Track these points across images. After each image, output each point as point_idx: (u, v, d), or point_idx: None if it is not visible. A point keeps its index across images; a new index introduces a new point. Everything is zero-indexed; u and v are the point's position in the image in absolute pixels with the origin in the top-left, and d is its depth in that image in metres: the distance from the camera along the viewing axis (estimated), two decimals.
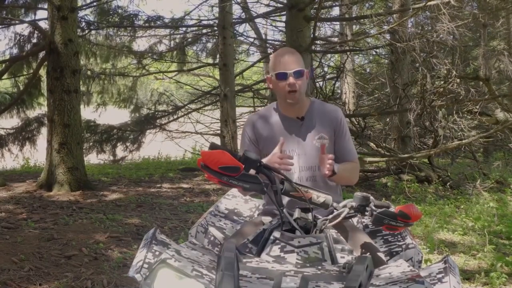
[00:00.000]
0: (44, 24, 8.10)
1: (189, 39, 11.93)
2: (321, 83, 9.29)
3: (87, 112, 10.57)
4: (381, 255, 1.91)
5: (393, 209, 1.72)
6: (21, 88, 8.83)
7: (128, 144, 11.14)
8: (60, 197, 6.07)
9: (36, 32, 8.36)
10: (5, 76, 8.44)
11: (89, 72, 10.40)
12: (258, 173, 1.75)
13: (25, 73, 8.81)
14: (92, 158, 10.87)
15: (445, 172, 8.46)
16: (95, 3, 9.27)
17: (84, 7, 8.77)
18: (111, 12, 9.70)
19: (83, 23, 8.88)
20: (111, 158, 10.99)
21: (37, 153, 9.56)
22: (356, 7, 12.04)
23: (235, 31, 10.88)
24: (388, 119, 11.35)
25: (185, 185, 7.60)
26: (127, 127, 11.10)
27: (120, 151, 11.11)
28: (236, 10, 11.24)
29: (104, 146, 10.69)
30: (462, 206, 6.41)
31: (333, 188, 2.13)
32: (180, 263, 1.42)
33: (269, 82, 2.15)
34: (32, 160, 10.22)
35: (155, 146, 11.92)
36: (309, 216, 1.69)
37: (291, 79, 2.02)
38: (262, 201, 2.32)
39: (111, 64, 11.28)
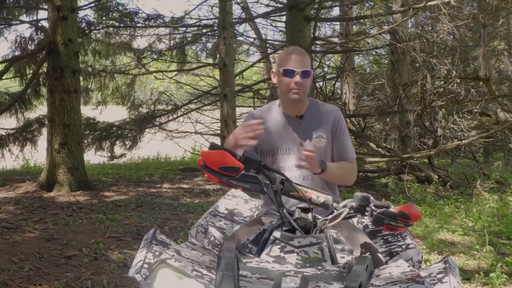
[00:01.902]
0: (45, 24, 8.10)
1: (189, 39, 11.92)
2: (321, 83, 9.28)
3: (87, 110, 10.56)
4: (380, 255, 1.91)
5: (393, 209, 1.72)
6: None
7: (127, 142, 11.13)
8: (60, 197, 6.07)
9: (38, 32, 8.36)
10: (8, 75, 8.44)
11: (90, 69, 10.40)
12: (258, 173, 1.75)
13: (27, 73, 8.79)
14: (90, 155, 10.85)
15: (445, 172, 8.46)
16: (95, 2, 9.25)
17: (84, 7, 8.76)
18: (111, 9, 9.70)
19: (84, 24, 8.87)
20: (109, 155, 10.97)
21: (37, 153, 9.55)
22: (356, 7, 12.04)
23: (235, 31, 10.88)
24: (388, 119, 11.35)
25: (185, 185, 7.60)
26: (126, 125, 11.09)
27: (118, 149, 11.10)
28: (236, 10, 11.24)
29: (103, 143, 10.68)
30: (462, 206, 6.41)
31: (330, 187, 2.14)
32: (180, 263, 1.42)
33: (274, 77, 2.16)
34: (32, 160, 10.22)
35: (155, 146, 11.90)
36: (309, 216, 1.69)
37: (297, 78, 2.04)
38: (262, 201, 2.32)
39: (110, 61, 11.27)
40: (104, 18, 9.63)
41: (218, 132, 10.51)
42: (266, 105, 2.31)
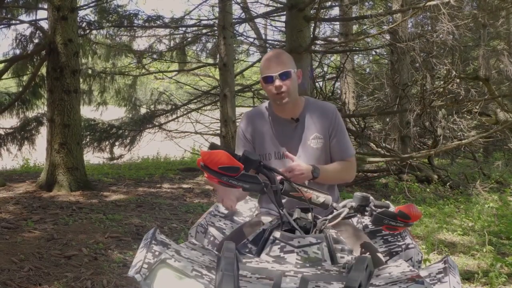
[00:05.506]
0: (44, 24, 8.10)
1: (189, 39, 11.92)
2: (321, 83, 9.29)
3: (87, 111, 10.56)
4: (380, 255, 1.91)
5: (393, 209, 1.72)
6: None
7: (126, 142, 11.13)
8: (60, 197, 6.07)
9: (37, 32, 8.35)
10: (8, 76, 8.42)
11: (90, 71, 10.40)
12: (258, 173, 1.75)
13: (28, 72, 8.77)
14: (90, 156, 10.86)
15: (445, 172, 8.47)
16: (95, 3, 9.25)
17: (84, 7, 8.76)
18: (111, 11, 9.68)
19: (84, 23, 8.86)
20: (109, 156, 10.98)
21: (37, 153, 9.55)
22: (356, 7, 12.03)
23: (235, 31, 10.87)
24: (388, 119, 11.36)
25: (185, 185, 7.60)
26: (126, 126, 11.09)
27: (118, 149, 11.09)
28: (236, 10, 11.25)
29: (103, 144, 10.68)
30: (462, 206, 6.42)
31: (329, 187, 2.14)
32: (180, 263, 1.42)
33: (262, 85, 2.16)
34: (31, 160, 10.21)
35: (154, 146, 11.90)
36: (309, 216, 1.69)
37: (277, 82, 2.02)
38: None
39: (111, 63, 11.26)
40: (104, 20, 9.61)
41: (218, 132, 10.50)
42: (262, 104, 2.26)
